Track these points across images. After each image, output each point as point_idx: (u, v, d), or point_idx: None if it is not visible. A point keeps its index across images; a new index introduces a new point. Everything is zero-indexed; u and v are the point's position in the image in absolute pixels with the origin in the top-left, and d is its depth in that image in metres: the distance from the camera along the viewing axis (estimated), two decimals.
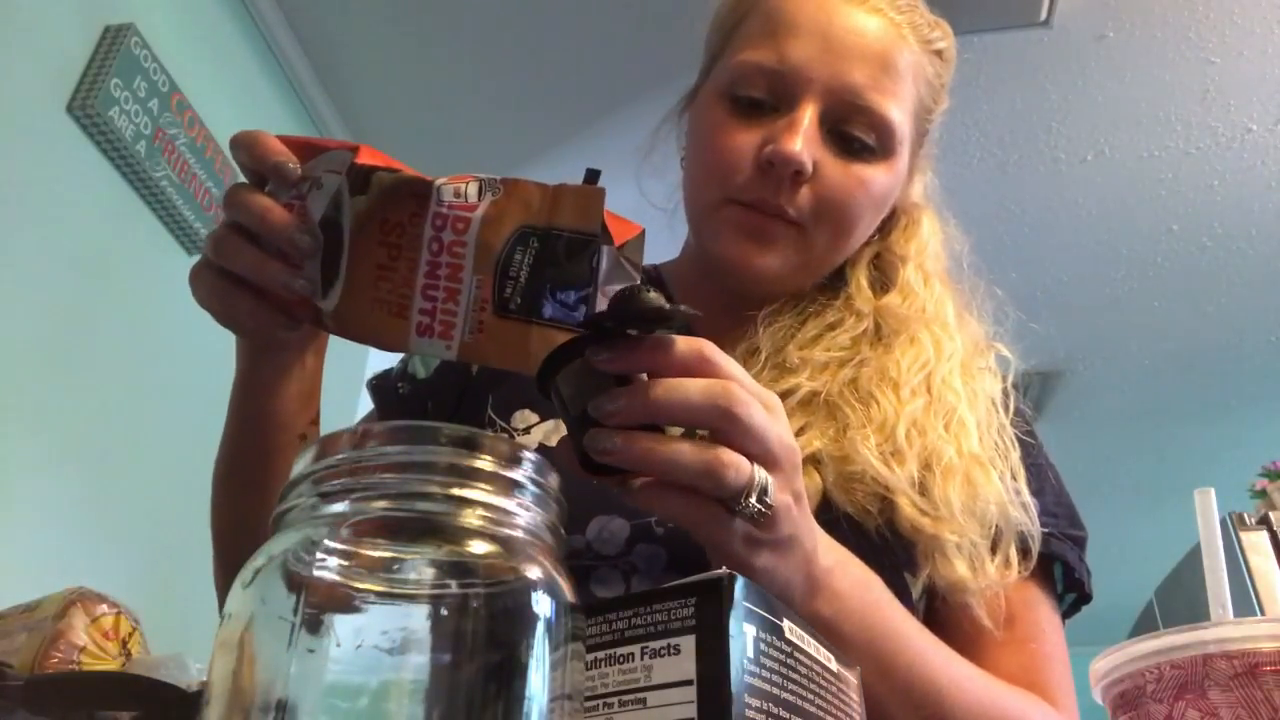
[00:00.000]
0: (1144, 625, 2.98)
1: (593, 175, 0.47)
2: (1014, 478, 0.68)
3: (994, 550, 0.64)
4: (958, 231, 0.82)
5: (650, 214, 0.80)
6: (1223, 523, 2.21)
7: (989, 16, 2.19)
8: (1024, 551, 0.65)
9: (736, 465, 0.42)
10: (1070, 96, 2.40)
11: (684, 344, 0.43)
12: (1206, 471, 3.53)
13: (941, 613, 0.65)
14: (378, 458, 0.30)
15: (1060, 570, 0.70)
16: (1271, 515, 2.29)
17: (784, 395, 0.66)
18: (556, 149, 2.54)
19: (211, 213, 1.94)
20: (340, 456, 0.31)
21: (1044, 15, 2.18)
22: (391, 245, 0.49)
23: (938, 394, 0.68)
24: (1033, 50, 2.28)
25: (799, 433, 0.65)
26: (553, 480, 0.33)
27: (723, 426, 0.42)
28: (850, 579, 0.51)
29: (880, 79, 0.69)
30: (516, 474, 0.31)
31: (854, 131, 0.69)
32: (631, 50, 2.26)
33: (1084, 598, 0.71)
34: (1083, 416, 3.53)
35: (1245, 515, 2.30)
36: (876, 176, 0.71)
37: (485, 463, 0.31)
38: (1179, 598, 2.67)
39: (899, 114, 0.71)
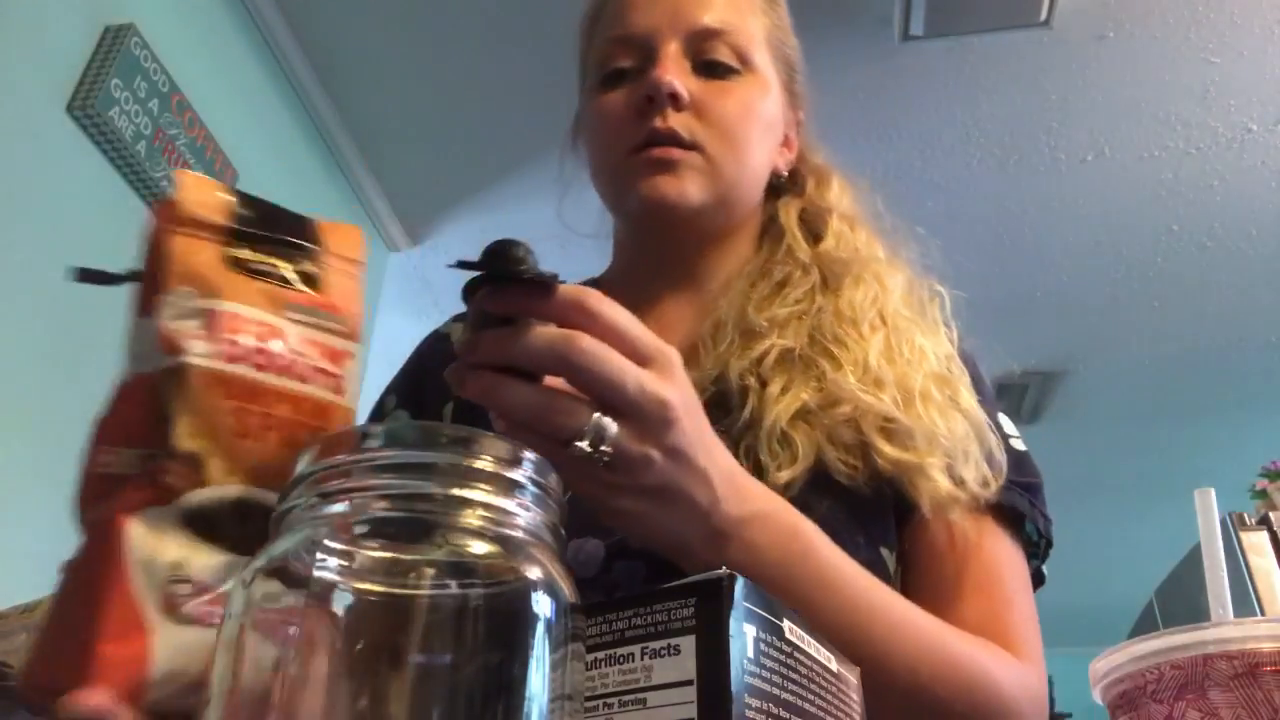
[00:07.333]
0: (1144, 625, 2.98)
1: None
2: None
3: (968, 467, 0.66)
4: (868, 188, 0.87)
5: (581, 244, 0.88)
6: (1223, 523, 2.21)
7: (989, 16, 2.19)
8: (994, 470, 0.68)
9: (569, 410, 0.44)
10: (1070, 96, 2.40)
11: (564, 292, 0.44)
12: (1206, 471, 3.53)
13: (913, 566, 0.67)
14: (378, 458, 0.30)
15: (1031, 527, 0.71)
16: (1271, 515, 2.29)
17: (760, 358, 0.69)
18: (557, 149, 2.54)
19: None
20: (340, 457, 0.31)
21: (1044, 15, 2.18)
22: None
23: (893, 324, 0.73)
24: (1033, 50, 2.28)
25: (783, 390, 0.67)
26: (553, 480, 0.33)
27: (566, 374, 0.44)
28: (770, 530, 0.52)
29: (722, 7, 0.77)
30: (516, 474, 0.31)
31: (716, 56, 0.76)
32: None
33: (1048, 543, 0.73)
34: (1083, 416, 3.53)
35: (1245, 515, 2.30)
36: (750, 91, 0.77)
37: (485, 463, 0.31)
38: (1179, 598, 2.67)
39: (751, 30, 0.78)
